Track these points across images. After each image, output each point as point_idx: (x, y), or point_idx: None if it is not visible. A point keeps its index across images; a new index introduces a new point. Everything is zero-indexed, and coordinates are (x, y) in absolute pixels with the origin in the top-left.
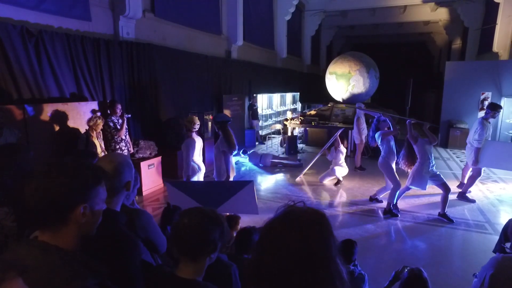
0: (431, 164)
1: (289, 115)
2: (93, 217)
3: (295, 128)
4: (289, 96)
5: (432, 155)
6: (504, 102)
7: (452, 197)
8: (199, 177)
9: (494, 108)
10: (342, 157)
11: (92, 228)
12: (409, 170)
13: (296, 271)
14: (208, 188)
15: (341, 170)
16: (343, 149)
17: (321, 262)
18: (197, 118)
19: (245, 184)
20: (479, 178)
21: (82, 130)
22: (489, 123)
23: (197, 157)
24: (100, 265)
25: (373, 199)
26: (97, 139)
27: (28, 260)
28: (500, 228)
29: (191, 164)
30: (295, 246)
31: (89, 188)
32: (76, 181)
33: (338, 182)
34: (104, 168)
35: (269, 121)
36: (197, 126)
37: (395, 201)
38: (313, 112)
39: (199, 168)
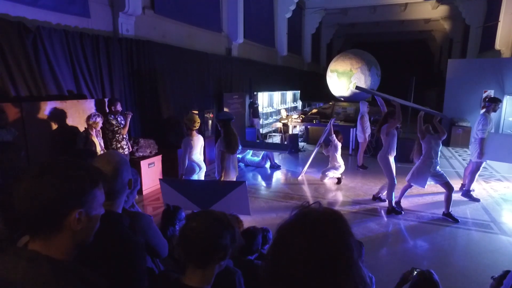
0: (435, 163)
1: (283, 113)
2: (89, 223)
3: (296, 126)
4: (289, 94)
5: (438, 154)
6: (506, 100)
7: (456, 195)
8: (200, 176)
9: (494, 101)
10: (337, 154)
11: (89, 235)
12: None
13: (317, 276)
14: (201, 187)
15: (336, 172)
16: (338, 143)
17: (344, 266)
18: (197, 116)
19: (238, 184)
20: (479, 172)
21: (81, 129)
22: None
23: (198, 155)
24: (98, 278)
25: (376, 197)
26: (96, 137)
27: (15, 274)
28: (506, 228)
29: (186, 163)
30: (315, 250)
31: (85, 191)
32: (71, 184)
33: (339, 181)
34: (101, 169)
35: (270, 119)
36: (197, 125)
37: (393, 199)
38: (314, 110)
39: (200, 167)
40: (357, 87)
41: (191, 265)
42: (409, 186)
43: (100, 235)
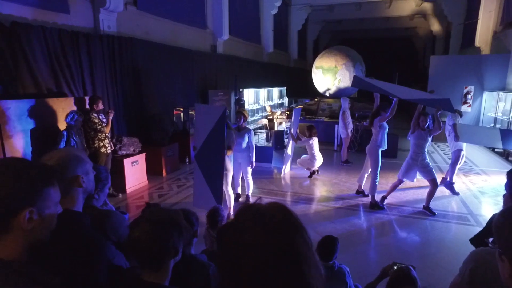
0: (422, 156)
1: (268, 109)
2: (43, 222)
3: (282, 123)
4: (276, 91)
5: (424, 149)
6: (485, 95)
7: (438, 189)
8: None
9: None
10: (315, 146)
11: (43, 234)
12: None
13: (276, 269)
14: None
15: (319, 160)
16: (313, 137)
17: (300, 255)
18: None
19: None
20: (459, 163)
21: (62, 127)
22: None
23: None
24: (52, 277)
25: (360, 192)
26: (78, 136)
27: None
28: (482, 220)
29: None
30: (269, 244)
31: (36, 190)
32: (19, 183)
33: (312, 173)
34: (53, 167)
35: (256, 116)
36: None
37: (376, 193)
38: (300, 106)
39: None
40: (354, 77)
41: (146, 269)
42: (400, 183)
43: (54, 235)
